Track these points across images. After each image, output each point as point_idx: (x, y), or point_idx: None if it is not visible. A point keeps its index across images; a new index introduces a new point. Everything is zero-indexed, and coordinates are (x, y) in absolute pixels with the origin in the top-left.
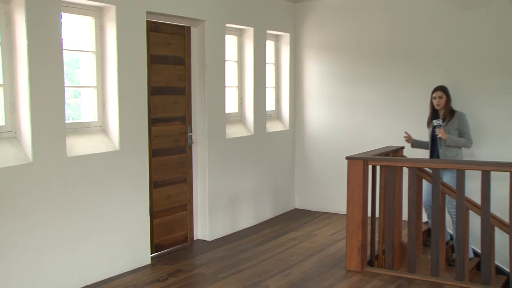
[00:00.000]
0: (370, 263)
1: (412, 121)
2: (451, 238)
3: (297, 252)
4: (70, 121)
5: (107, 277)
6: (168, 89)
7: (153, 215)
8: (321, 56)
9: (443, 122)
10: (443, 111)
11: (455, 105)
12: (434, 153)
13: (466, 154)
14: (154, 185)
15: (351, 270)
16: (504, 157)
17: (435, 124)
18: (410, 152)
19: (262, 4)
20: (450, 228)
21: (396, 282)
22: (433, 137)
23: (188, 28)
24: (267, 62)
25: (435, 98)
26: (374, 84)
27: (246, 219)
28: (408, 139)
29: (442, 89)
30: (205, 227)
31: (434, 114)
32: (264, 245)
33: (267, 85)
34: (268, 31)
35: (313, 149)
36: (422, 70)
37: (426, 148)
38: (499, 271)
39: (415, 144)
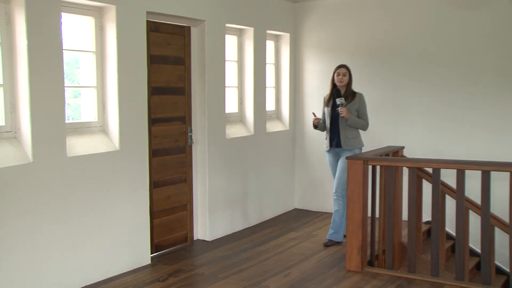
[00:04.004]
0: (370, 263)
1: (412, 121)
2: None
3: (297, 252)
4: (70, 121)
5: (107, 277)
6: (168, 89)
7: (153, 215)
8: (321, 56)
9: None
10: (344, 89)
11: (456, 103)
12: (334, 134)
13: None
14: (154, 185)
15: (351, 270)
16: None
17: (338, 102)
18: (410, 152)
19: (262, 4)
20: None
21: (396, 282)
22: (333, 116)
23: (188, 28)
24: (267, 62)
25: (339, 74)
26: (374, 84)
27: (246, 219)
28: (318, 120)
29: (347, 67)
30: (205, 227)
31: (336, 93)
32: (264, 245)
33: (267, 85)
34: (268, 31)
35: (313, 149)
36: (422, 70)
37: (324, 130)
38: (499, 271)
39: (319, 126)
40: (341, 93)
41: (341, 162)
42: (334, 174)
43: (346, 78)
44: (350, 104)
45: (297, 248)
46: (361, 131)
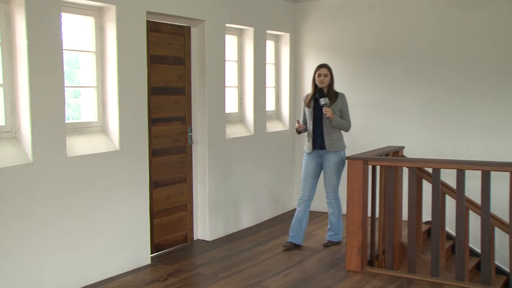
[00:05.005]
0: (370, 263)
1: (412, 121)
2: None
3: (297, 252)
4: (70, 121)
5: (107, 277)
6: (168, 89)
7: (153, 215)
8: (321, 56)
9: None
10: (326, 90)
11: (456, 103)
12: (317, 136)
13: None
14: (154, 185)
15: (351, 270)
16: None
17: (322, 103)
18: (410, 152)
19: (262, 4)
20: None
21: (396, 282)
22: (316, 117)
23: (188, 28)
24: (267, 62)
25: (319, 75)
26: (374, 84)
27: (246, 219)
28: (302, 127)
29: (328, 67)
30: (205, 227)
31: (320, 92)
32: (264, 245)
33: (267, 85)
34: (268, 31)
35: None
36: (422, 70)
37: (305, 131)
38: (499, 271)
39: (302, 130)
40: (325, 93)
41: (329, 166)
42: (309, 177)
43: (327, 79)
44: (333, 104)
45: (297, 248)
46: (343, 133)
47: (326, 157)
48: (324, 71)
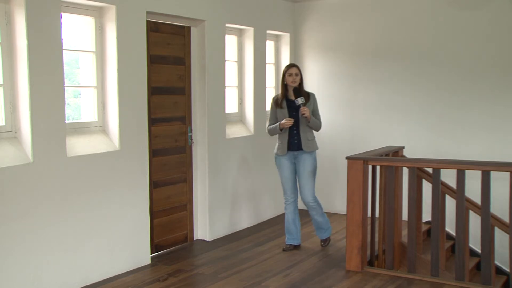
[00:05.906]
0: (370, 263)
1: (412, 121)
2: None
3: (297, 252)
4: (70, 121)
5: (107, 277)
6: (168, 89)
7: (153, 215)
8: (321, 56)
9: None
10: (297, 89)
11: (456, 103)
12: (293, 136)
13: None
14: (154, 185)
15: (351, 270)
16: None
17: (300, 102)
18: (410, 152)
19: (262, 4)
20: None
21: (396, 282)
22: (291, 117)
23: (188, 28)
24: (267, 62)
25: (291, 74)
26: (374, 84)
27: (246, 219)
28: (290, 121)
29: (298, 67)
30: (205, 227)
31: (295, 92)
32: (264, 245)
33: (267, 85)
34: (268, 31)
35: None
36: (422, 70)
37: (278, 133)
38: (499, 271)
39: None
40: (295, 93)
41: (305, 169)
42: (289, 180)
43: (298, 78)
44: (307, 104)
45: (296, 248)
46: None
47: (301, 158)
48: (294, 70)
